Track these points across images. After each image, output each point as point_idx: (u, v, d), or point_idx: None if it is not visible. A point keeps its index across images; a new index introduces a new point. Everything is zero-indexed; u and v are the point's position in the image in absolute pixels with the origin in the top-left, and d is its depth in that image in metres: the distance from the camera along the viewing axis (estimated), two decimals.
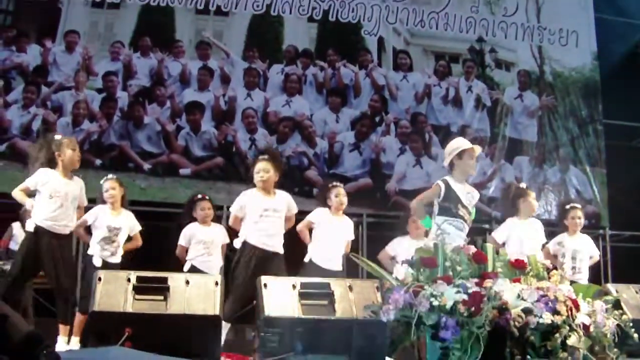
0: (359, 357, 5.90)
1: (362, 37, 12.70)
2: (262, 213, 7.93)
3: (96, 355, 5.38)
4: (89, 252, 8.38)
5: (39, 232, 7.48)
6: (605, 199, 12.84)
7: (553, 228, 9.73)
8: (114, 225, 8.36)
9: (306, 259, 8.51)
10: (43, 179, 7.61)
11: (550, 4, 13.39)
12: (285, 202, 8.17)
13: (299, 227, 8.65)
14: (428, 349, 5.55)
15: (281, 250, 7.99)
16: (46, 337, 4.93)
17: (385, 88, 12.52)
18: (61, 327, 7.60)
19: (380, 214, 11.83)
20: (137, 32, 12.00)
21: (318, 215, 8.72)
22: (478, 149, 7.30)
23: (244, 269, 7.68)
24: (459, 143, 7.23)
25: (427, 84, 12.71)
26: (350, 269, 10.62)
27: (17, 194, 7.77)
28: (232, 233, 8.40)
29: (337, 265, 8.59)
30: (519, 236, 8.61)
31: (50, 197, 7.53)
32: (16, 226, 9.77)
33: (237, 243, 8.10)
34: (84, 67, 11.64)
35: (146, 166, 11.38)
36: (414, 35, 12.94)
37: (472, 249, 6.08)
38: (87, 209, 8.35)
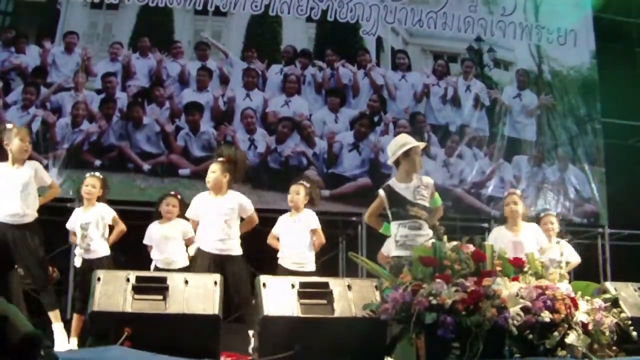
0: (358, 356, 5.90)
1: (360, 37, 12.70)
2: (210, 216, 7.93)
3: (95, 355, 5.38)
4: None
5: (2, 228, 7.48)
6: (604, 197, 12.83)
7: None
8: (84, 222, 8.35)
9: (278, 262, 8.59)
10: None
11: (548, 3, 13.39)
12: (236, 203, 8.10)
13: (268, 240, 8.78)
14: (427, 347, 5.57)
15: (237, 253, 7.95)
16: (45, 337, 4.94)
17: (384, 88, 12.52)
18: (51, 314, 7.61)
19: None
20: (136, 32, 12.00)
21: (278, 223, 8.81)
22: (423, 145, 7.25)
23: None
24: (405, 139, 7.16)
25: (425, 84, 12.70)
26: (350, 269, 10.68)
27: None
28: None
29: (309, 265, 8.58)
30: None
31: (2, 190, 7.51)
32: None
33: (191, 250, 8.13)
34: (83, 68, 11.64)
35: (145, 167, 11.38)
36: (413, 35, 12.94)
37: (471, 247, 6.09)
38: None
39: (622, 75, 12.95)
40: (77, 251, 8.35)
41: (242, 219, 8.14)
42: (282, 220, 8.82)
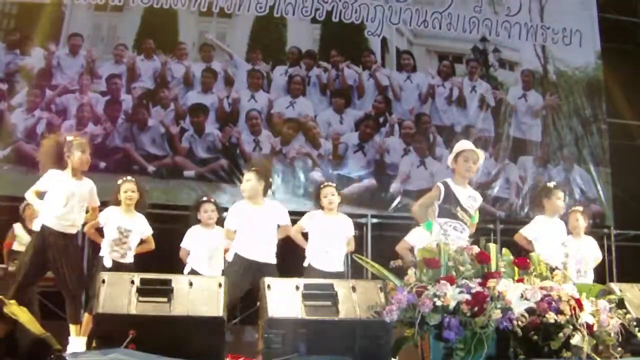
0: (362, 358, 5.90)
1: (365, 37, 12.70)
2: (250, 224, 7.90)
3: (100, 357, 5.38)
4: (101, 253, 8.41)
5: (46, 231, 7.48)
6: (609, 198, 12.82)
7: None
8: (125, 227, 8.37)
9: (305, 264, 8.51)
10: (51, 179, 7.63)
11: (553, 3, 13.38)
12: (275, 212, 8.10)
13: (292, 232, 8.61)
14: (431, 349, 5.56)
15: (272, 261, 7.92)
16: (55, 341, 4.94)
17: (389, 89, 12.53)
18: (72, 327, 7.61)
19: (385, 215, 11.84)
20: (141, 34, 12.02)
21: (309, 219, 8.73)
22: (477, 152, 7.22)
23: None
24: (459, 145, 7.21)
25: (430, 84, 12.71)
26: (356, 270, 10.66)
27: (29, 195, 7.80)
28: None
29: (338, 266, 8.57)
30: (549, 233, 8.56)
31: (57, 197, 7.53)
32: (17, 227, 9.80)
33: (229, 256, 8.12)
34: (88, 70, 11.66)
35: (150, 168, 11.40)
36: (417, 36, 12.94)
37: (475, 249, 6.07)
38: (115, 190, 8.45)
39: (628, 75, 12.93)
40: (109, 251, 8.33)
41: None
42: (315, 218, 8.75)
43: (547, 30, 13.30)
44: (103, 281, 6.08)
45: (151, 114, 11.65)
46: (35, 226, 7.63)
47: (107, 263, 8.26)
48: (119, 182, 8.65)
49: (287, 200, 10.81)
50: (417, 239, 8.85)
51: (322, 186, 8.89)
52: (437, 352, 5.55)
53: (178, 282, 6.21)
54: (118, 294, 6.00)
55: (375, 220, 11.81)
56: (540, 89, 13.16)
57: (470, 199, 7.01)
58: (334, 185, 8.89)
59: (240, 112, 11.91)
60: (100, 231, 8.53)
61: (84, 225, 8.08)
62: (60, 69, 11.63)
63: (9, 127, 11.21)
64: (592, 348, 5.80)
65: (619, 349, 6.04)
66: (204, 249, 8.75)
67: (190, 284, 6.18)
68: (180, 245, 8.88)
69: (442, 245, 6.00)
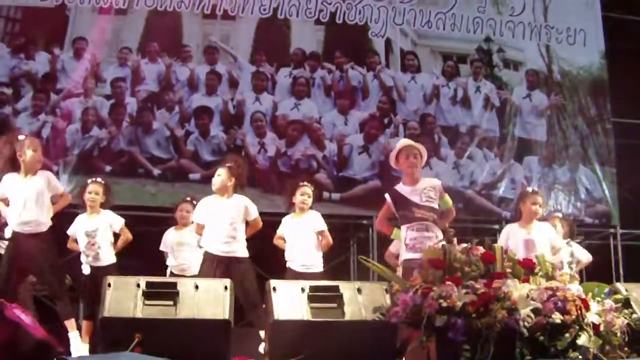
0: None
1: (369, 39, 12.70)
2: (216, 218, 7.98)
3: None
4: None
5: (15, 238, 7.52)
6: (615, 197, 12.80)
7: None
8: (90, 229, 8.38)
9: (287, 264, 8.61)
10: (6, 185, 7.66)
11: (557, 2, 13.37)
12: (242, 205, 8.15)
13: (274, 240, 8.85)
14: (437, 350, 5.55)
15: (242, 254, 7.98)
16: (58, 344, 4.95)
17: (394, 89, 12.52)
18: (67, 323, 7.63)
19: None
20: (145, 37, 12.02)
21: (282, 225, 8.83)
22: (416, 146, 7.24)
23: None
24: (396, 146, 7.34)
25: (435, 85, 12.70)
26: (362, 273, 10.66)
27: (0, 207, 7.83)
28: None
29: (317, 266, 8.64)
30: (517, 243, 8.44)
31: (16, 201, 7.57)
32: None
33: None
34: (92, 74, 11.66)
35: (156, 171, 11.40)
36: (421, 36, 12.93)
37: (481, 249, 6.07)
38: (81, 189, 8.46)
39: (633, 74, 12.90)
40: (84, 259, 8.36)
41: (247, 223, 8.16)
42: (285, 223, 8.86)
43: (551, 30, 13.29)
44: (109, 285, 6.09)
45: (156, 117, 11.65)
46: (7, 234, 7.62)
47: (85, 270, 8.31)
48: (88, 181, 8.66)
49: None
50: (398, 247, 8.96)
51: (299, 185, 8.92)
52: (443, 354, 5.54)
53: (184, 285, 6.21)
54: (124, 298, 6.00)
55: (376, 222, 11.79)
56: (545, 88, 13.15)
57: (425, 191, 7.01)
58: (312, 187, 8.96)
59: (245, 115, 11.91)
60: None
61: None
62: (65, 72, 11.63)
63: (15, 131, 11.20)
64: (599, 348, 5.79)
65: (626, 349, 6.03)
66: (173, 247, 8.78)
67: (196, 287, 6.18)
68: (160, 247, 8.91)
69: (447, 246, 6.00)
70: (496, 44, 13.14)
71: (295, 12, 12.46)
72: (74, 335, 7.59)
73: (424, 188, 7.04)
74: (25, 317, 4.78)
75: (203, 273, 7.71)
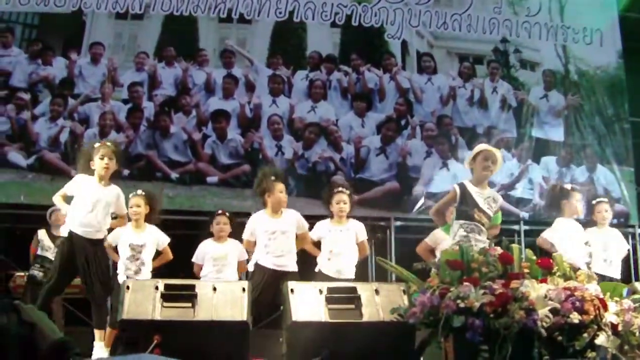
0: None
1: (385, 40, 12.68)
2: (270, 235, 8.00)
3: None
4: (117, 271, 8.46)
5: (73, 237, 7.56)
6: (633, 197, 12.74)
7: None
8: (137, 243, 8.40)
9: (316, 269, 8.54)
10: (77, 184, 7.71)
11: (573, 2, 13.31)
12: (294, 221, 8.19)
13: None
14: (455, 351, 5.55)
15: (294, 269, 8.01)
16: (77, 345, 4.97)
17: (410, 91, 12.50)
18: (96, 332, 7.65)
19: (408, 218, 11.81)
20: (161, 42, 12.08)
21: (318, 230, 8.71)
22: (495, 152, 7.19)
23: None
24: (478, 146, 7.22)
25: (451, 86, 12.66)
26: (380, 274, 10.65)
27: (57, 199, 7.91)
28: None
29: (349, 273, 8.52)
30: (571, 236, 8.51)
31: (83, 203, 7.60)
32: (41, 233, 9.90)
33: (250, 266, 8.16)
34: (110, 79, 11.73)
35: (173, 175, 11.43)
36: (438, 38, 12.91)
37: (498, 250, 6.07)
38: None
39: None
40: (123, 269, 8.39)
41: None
42: (323, 228, 8.72)
43: (567, 30, 13.24)
44: (127, 287, 6.13)
45: (173, 121, 11.69)
46: (63, 232, 7.69)
47: (122, 280, 8.30)
48: (130, 195, 8.69)
49: (309, 204, 10.81)
50: (436, 242, 8.91)
51: (335, 191, 8.81)
52: (461, 354, 5.54)
53: (202, 287, 6.24)
54: (142, 300, 6.04)
55: (398, 223, 11.78)
56: (562, 88, 13.09)
57: (489, 200, 6.97)
58: (348, 192, 8.83)
59: (262, 118, 11.93)
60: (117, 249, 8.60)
61: (110, 230, 8.13)
62: (82, 77, 11.70)
63: (33, 136, 11.28)
64: (617, 348, 5.78)
65: None
66: (213, 262, 8.77)
67: (214, 289, 6.20)
68: (192, 260, 8.90)
69: (464, 247, 6.00)
70: (512, 45, 13.11)
71: (311, 15, 12.47)
72: (99, 346, 7.61)
73: (489, 196, 7.00)
74: (41, 318, 4.80)
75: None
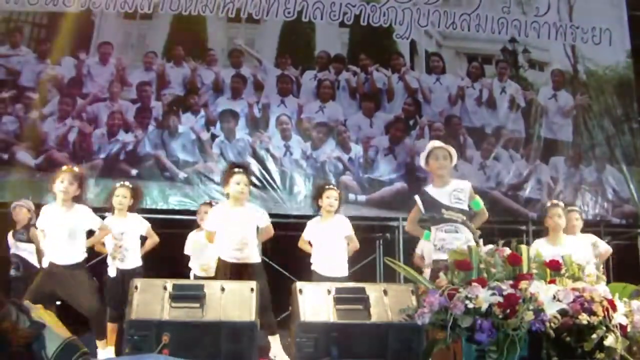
0: None
1: (394, 40, 12.68)
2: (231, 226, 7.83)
3: None
4: (108, 262, 8.49)
5: (51, 268, 7.51)
6: None
7: (592, 228, 9.60)
8: (117, 231, 8.41)
9: (312, 268, 8.52)
10: (44, 216, 7.69)
11: (582, 2, 13.29)
12: (254, 213, 8.03)
13: (299, 243, 8.73)
14: (464, 352, 5.54)
15: (256, 260, 7.83)
16: (82, 344, 4.97)
17: (419, 91, 12.49)
18: (98, 343, 7.64)
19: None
20: (170, 41, 12.12)
21: (308, 229, 8.69)
22: (446, 147, 7.19)
23: None
24: (426, 147, 7.30)
25: (460, 86, 12.66)
26: (388, 274, 10.65)
27: (39, 235, 7.99)
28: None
29: (342, 270, 8.52)
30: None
31: (51, 232, 7.58)
32: (9, 235, 9.80)
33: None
34: (118, 78, 11.77)
35: (181, 175, 11.43)
36: (446, 38, 12.90)
37: (507, 250, 6.05)
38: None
39: None
40: (111, 261, 8.42)
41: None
42: (312, 227, 8.71)
43: (576, 30, 13.21)
44: (136, 287, 6.13)
45: (181, 121, 11.72)
46: (44, 263, 7.64)
47: (111, 272, 8.36)
48: (117, 184, 8.71)
49: None
50: (422, 248, 8.99)
51: (326, 187, 8.80)
52: (470, 355, 5.53)
53: (210, 287, 6.24)
54: (151, 300, 6.04)
55: (406, 224, 11.75)
56: (571, 88, 13.06)
57: (455, 193, 7.01)
58: (339, 191, 8.84)
59: (270, 117, 11.95)
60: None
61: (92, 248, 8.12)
62: (91, 77, 11.74)
63: (41, 135, 11.30)
64: (626, 349, 5.76)
65: None
66: (194, 249, 8.80)
67: (222, 289, 6.20)
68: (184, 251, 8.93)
69: (473, 247, 5.99)
70: (521, 45, 13.09)
71: (319, 15, 12.48)
72: (102, 353, 7.59)
73: (454, 190, 7.04)
74: (50, 318, 4.81)
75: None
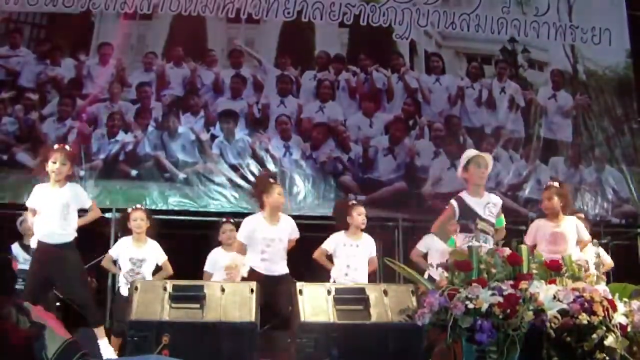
0: None
1: (393, 41, 12.67)
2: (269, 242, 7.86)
3: None
4: (118, 284, 8.52)
5: (41, 248, 7.53)
6: None
7: (592, 228, 9.59)
8: (137, 257, 8.51)
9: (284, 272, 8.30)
10: (35, 195, 7.70)
11: (582, 2, 13.26)
12: (289, 228, 8.08)
13: (315, 254, 8.60)
14: (464, 352, 5.54)
15: (285, 272, 7.91)
16: (84, 345, 4.98)
17: (418, 91, 12.48)
18: (96, 331, 7.63)
19: (416, 218, 11.74)
20: (170, 42, 12.11)
21: (333, 243, 8.57)
22: (485, 156, 7.19)
23: None
24: (467, 154, 7.21)
25: (459, 86, 12.63)
26: (387, 275, 10.64)
27: (28, 215, 8.02)
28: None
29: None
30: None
31: (43, 211, 7.58)
32: (15, 247, 9.73)
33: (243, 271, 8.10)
34: (118, 79, 11.77)
35: (181, 175, 11.42)
36: (446, 38, 12.89)
37: (507, 250, 6.06)
38: (123, 218, 8.51)
39: None
40: (124, 282, 8.45)
41: None
42: (338, 241, 8.56)
43: (576, 30, 13.20)
44: (136, 288, 6.14)
45: (181, 121, 11.72)
46: (32, 244, 7.67)
47: (124, 292, 8.34)
48: (129, 210, 8.76)
49: (317, 205, 10.85)
50: (428, 246, 8.94)
51: (351, 204, 8.78)
52: (470, 355, 5.53)
53: (210, 288, 6.25)
54: (151, 301, 6.05)
55: (406, 224, 11.76)
56: (570, 88, 13.03)
57: (489, 206, 7.00)
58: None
59: (270, 118, 11.94)
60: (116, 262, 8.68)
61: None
62: (91, 78, 11.74)
63: (41, 136, 11.30)
64: (626, 349, 5.76)
65: None
66: (225, 271, 8.79)
67: (223, 290, 6.21)
68: (204, 269, 8.93)
69: (473, 248, 5.99)
70: (521, 45, 13.07)
71: (319, 15, 12.47)
72: (103, 343, 7.61)
73: (488, 202, 7.03)
74: (50, 319, 4.82)
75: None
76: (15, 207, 10.85)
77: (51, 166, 7.60)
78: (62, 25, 11.96)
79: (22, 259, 9.56)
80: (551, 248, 8.09)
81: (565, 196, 8.67)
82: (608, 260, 9.30)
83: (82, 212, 7.87)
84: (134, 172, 11.20)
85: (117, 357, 7.84)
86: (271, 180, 8.25)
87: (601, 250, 9.29)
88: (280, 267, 7.87)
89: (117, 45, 11.98)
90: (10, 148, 11.24)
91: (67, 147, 7.90)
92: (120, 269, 8.69)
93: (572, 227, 8.46)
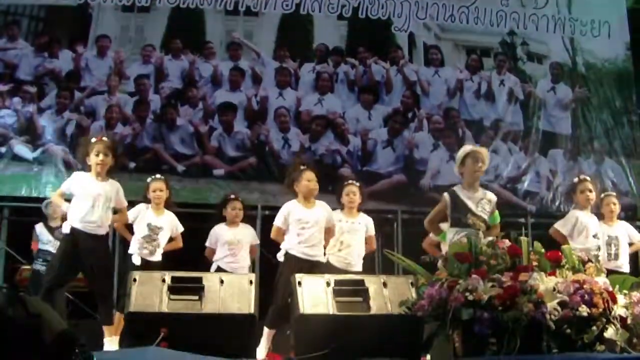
0: (394, 354, 5.88)
1: (392, 33, 12.65)
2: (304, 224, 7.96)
3: (132, 355, 5.41)
4: (130, 250, 8.51)
5: (75, 234, 7.54)
6: None
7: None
8: (156, 224, 8.57)
9: (324, 260, 8.31)
10: (74, 182, 7.72)
11: None
12: (326, 213, 8.16)
13: None
14: (463, 343, 5.54)
15: (323, 259, 8.03)
16: (83, 338, 4.96)
17: (417, 84, 12.45)
18: (105, 329, 7.64)
19: (415, 210, 11.71)
20: (168, 34, 12.08)
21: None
22: (482, 151, 7.20)
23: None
24: (464, 149, 7.23)
25: (458, 79, 12.59)
26: (387, 267, 10.63)
27: (56, 198, 8.01)
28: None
29: (357, 266, 8.59)
30: (583, 227, 8.56)
31: (83, 200, 7.59)
32: (39, 227, 9.86)
33: (279, 255, 8.12)
34: (116, 71, 11.74)
35: (180, 168, 11.41)
36: (445, 30, 12.86)
37: (507, 242, 6.05)
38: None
39: None
40: (138, 250, 8.46)
41: None
42: (336, 217, 8.61)
43: (575, 22, 13.16)
44: (134, 280, 6.13)
45: (180, 114, 11.69)
46: (65, 229, 7.68)
47: (136, 261, 8.39)
48: (148, 180, 8.84)
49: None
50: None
51: (345, 183, 8.95)
52: (469, 347, 5.53)
53: (209, 280, 6.24)
54: (149, 293, 6.04)
55: (405, 216, 11.75)
56: (570, 81, 13.00)
57: (482, 202, 7.00)
58: (358, 184, 8.94)
59: (268, 110, 11.92)
60: (130, 228, 8.66)
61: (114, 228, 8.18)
62: (89, 70, 11.72)
63: (39, 129, 11.28)
64: (626, 341, 5.76)
65: None
66: (227, 247, 8.84)
67: (221, 282, 6.21)
68: (206, 244, 8.96)
69: (472, 239, 5.98)
70: (520, 37, 13.04)
71: (317, 8, 12.45)
72: (108, 341, 7.59)
73: (482, 198, 7.05)
74: (46, 309, 4.80)
75: (285, 273, 7.64)
76: (13, 199, 10.88)
77: (93, 159, 7.66)
78: (60, 18, 11.94)
79: (45, 240, 9.64)
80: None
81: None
82: (634, 239, 9.37)
83: None
84: (132, 165, 11.17)
85: (118, 334, 7.85)
86: (302, 167, 8.26)
87: (631, 228, 9.36)
88: (317, 252, 7.95)
89: (115, 37, 11.92)
90: (8, 140, 11.22)
91: (104, 138, 7.94)
92: (133, 234, 8.70)
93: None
